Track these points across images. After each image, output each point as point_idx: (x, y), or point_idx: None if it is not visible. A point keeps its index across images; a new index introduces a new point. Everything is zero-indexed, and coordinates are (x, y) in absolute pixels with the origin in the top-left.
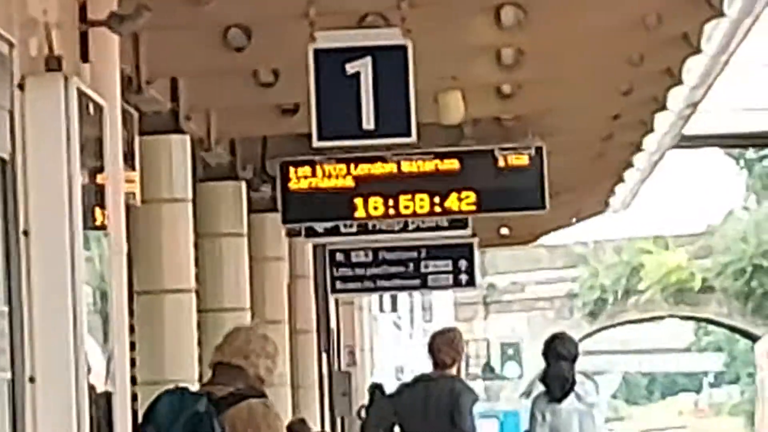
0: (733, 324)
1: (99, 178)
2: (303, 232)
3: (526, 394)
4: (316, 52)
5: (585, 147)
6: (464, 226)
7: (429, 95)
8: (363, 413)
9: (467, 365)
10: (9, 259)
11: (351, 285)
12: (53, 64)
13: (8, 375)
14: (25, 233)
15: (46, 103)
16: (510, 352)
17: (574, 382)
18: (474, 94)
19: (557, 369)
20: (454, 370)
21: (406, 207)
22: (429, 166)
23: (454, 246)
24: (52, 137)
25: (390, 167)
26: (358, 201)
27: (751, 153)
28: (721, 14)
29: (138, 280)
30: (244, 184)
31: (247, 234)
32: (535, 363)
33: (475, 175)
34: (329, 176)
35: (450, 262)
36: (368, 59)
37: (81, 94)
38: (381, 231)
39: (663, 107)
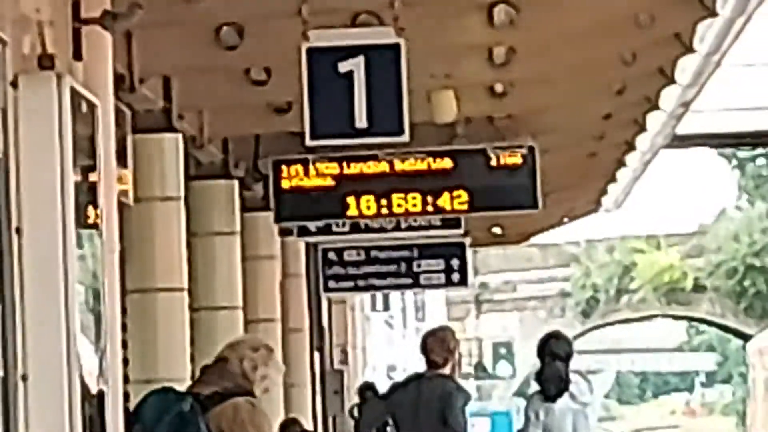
0: (726, 323)
1: (91, 177)
2: (295, 231)
3: (519, 393)
4: (309, 50)
5: (577, 146)
6: (457, 225)
7: (422, 94)
8: (355, 412)
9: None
10: (1, 257)
11: (343, 284)
12: (46, 62)
13: (0, 373)
14: (18, 231)
15: (38, 101)
16: (502, 351)
17: (568, 382)
18: (467, 93)
19: (553, 368)
20: (447, 369)
21: (399, 206)
22: (422, 165)
23: (446, 245)
24: (44, 135)
25: (383, 166)
26: (351, 200)
27: (743, 153)
28: (714, 14)
29: (130, 279)
30: (236, 183)
31: (239, 232)
32: (527, 362)
33: (467, 174)
34: (322, 175)
35: (442, 261)
36: (361, 58)
37: (74, 93)
38: (373, 230)
39: (655, 107)
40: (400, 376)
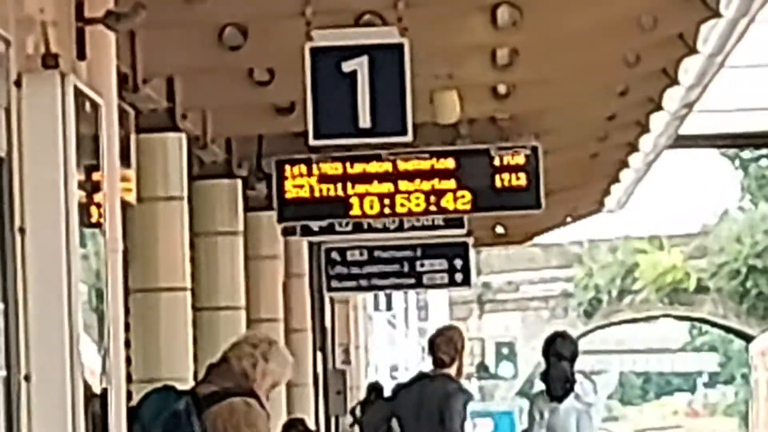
0: (728, 324)
1: (95, 176)
2: (298, 231)
3: (521, 393)
4: (313, 50)
5: (580, 147)
6: (460, 225)
7: (425, 94)
8: (358, 411)
9: None
10: (4, 256)
11: (346, 283)
12: (50, 61)
13: (3, 373)
14: (21, 231)
15: (42, 100)
16: (504, 351)
17: (574, 382)
18: (470, 93)
19: (559, 368)
20: (453, 369)
21: (402, 206)
22: (425, 165)
23: (449, 245)
24: (48, 135)
25: (386, 166)
26: (354, 200)
27: (746, 153)
28: (717, 15)
29: (133, 278)
30: (239, 183)
31: (242, 232)
32: (529, 362)
33: (470, 174)
34: (325, 175)
35: (445, 261)
36: (364, 58)
37: (77, 92)
38: (376, 230)
39: (659, 107)
40: (402, 376)
